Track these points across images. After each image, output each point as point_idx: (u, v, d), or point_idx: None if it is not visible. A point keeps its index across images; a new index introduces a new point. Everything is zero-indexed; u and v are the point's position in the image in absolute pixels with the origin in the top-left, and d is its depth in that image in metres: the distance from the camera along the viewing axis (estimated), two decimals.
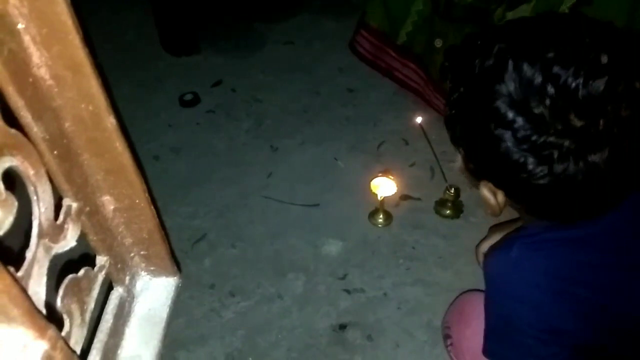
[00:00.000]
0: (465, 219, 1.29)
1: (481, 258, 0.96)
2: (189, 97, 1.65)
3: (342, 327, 1.12)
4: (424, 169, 1.41)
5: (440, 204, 1.31)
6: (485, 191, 0.65)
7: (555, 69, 0.52)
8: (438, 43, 1.40)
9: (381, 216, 1.29)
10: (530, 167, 0.54)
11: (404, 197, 1.34)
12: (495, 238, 0.93)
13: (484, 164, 0.61)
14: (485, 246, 0.95)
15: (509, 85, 0.53)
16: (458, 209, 1.30)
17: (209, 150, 1.51)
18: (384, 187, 1.26)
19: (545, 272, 0.63)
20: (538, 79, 0.52)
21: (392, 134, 1.50)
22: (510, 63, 0.54)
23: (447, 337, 0.94)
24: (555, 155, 0.53)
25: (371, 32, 1.61)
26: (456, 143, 0.64)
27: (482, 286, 1.06)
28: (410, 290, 1.17)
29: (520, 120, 0.53)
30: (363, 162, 1.43)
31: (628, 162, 0.55)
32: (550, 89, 0.52)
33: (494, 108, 0.54)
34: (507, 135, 0.54)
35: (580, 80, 0.51)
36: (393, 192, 1.27)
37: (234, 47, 1.83)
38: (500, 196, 0.64)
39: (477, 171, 0.64)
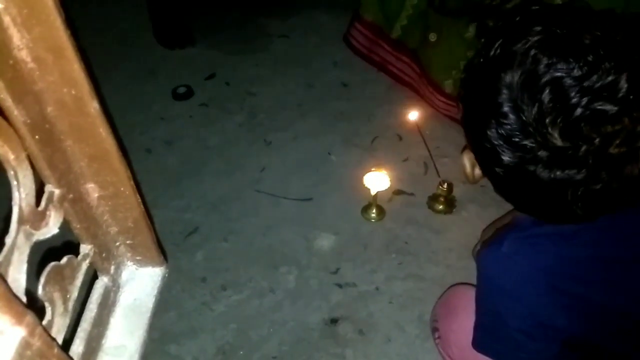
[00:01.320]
0: (457, 214, 1.29)
1: None
2: (182, 90, 1.64)
3: (334, 321, 1.11)
4: (417, 165, 1.40)
5: (433, 199, 1.31)
6: (466, 159, 0.67)
7: (565, 80, 0.49)
8: (432, 37, 1.39)
9: (374, 211, 1.28)
10: (504, 161, 0.54)
11: (397, 192, 1.34)
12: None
13: (468, 135, 0.61)
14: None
15: (517, 78, 0.52)
16: (451, 204, 1.30)
17: (201, 143, 1.50)
18: (377, 181, 1.26)
19: (536, 267, 0.63)
20: (542, 82, 0.50)
21: (386, 129, 1.50)
22: (530, 56, 0.51)
23: (434, 330, 0.94)
24: (527, 158, 0.52)
25: (366, 25, 1.60)
26: (458, 104, 0.64)
27: (474, 281, 1.07)
28: (402, 285, 1.17)
29: (510, 118, 0.52)
30: (357, 157, 1.42)
31: (601, 193, 0.53)
32: (546, 98, 0.50)
33: (494, 95, 0.53)
34: (493, 125, 0.54)
35: (583, 101, 0.48)
36: (386, 187, 1.26)
37: (228, 40, 1.82)
38: (478, 169, 0.65)
39: (466, 136, 0.64)
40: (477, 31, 1.13)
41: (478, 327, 0.72)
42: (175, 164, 1.45)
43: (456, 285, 1.01)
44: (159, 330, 1.09)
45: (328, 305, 1.14)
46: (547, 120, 0.50)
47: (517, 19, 0.56)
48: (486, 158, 0.57)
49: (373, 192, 1.25)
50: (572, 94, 0.49)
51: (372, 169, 1.28)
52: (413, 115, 1.36)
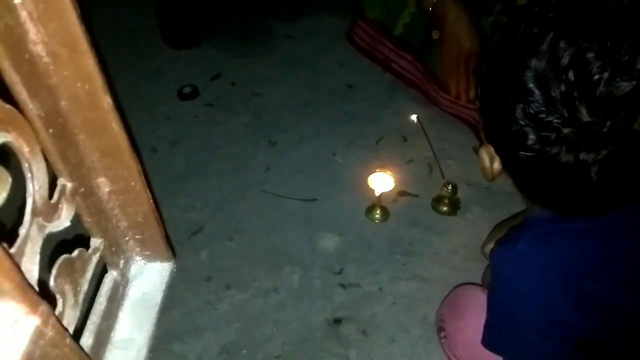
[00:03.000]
0: (462, 215, 1.29)
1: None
2: (187, 90, 1.64)
3: (337, 321, 1.11)
4: (421, 166, 1.40)
5: (438, 200, 1.31)
6: (484, 153, 0.66)
7: (587, 56, 0.51)
8: (435, 35, 1.39)
9: (378, 212, 1.29)
10: (529, 142, 0.54)
11: (401, 193, 1.34)
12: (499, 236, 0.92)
13: (491, 125, 0.61)
14: (491, 247, 0.94)
15: (540, 59, 0.53)
16: (455, 206, 1.30)
17: (207, 143, 1.51)
18: (382, 182, 1.26)
19: (551, 265, 0.63)
20: (565, 60, 0.52)
21: (390, 130, 1.50)
22: (550, 36, 0.53)
23: (440, 329, 0.94)
24: (552, 138, 0.53)
25: (368, 22, 1.60)
26: (477, 97, 0.64)
27: (479, 281, 1.07)
28: (406, 286, 1.17)
29: (536, 95, 0.53)
30: (361, 158, 1.42)
31: (624, 173, 0.54)
32: (571, 75, 0.51)
33: (518, 76, 0.54)
34: (519, 106, 0.54)
35: (605, 76, 0.50)
36: (390, 188, 1.27)
37: (234, 40, 1.83)
38: (497, 163, 0.64)
39: (484, 131, 0.64)
40: (492, 29, 1.14)
41: (490, 326, 0.72)
42: (180, 163, 1.45)
43: (462, 285, 1.02)
44: (163, 329, 1.09)
45: (332, 306, 1.14)
46: (575, 94, 0.51)
47: (535, 8, 0.57)
48: (510, 143, 0.57)
49: (377, 193, 1.25)
50: (596, 70, 0.50)
51: (377, 170, 1.29)
52: (417, 117, 1.36)
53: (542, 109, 0.53)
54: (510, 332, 0.69)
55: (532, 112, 0.53)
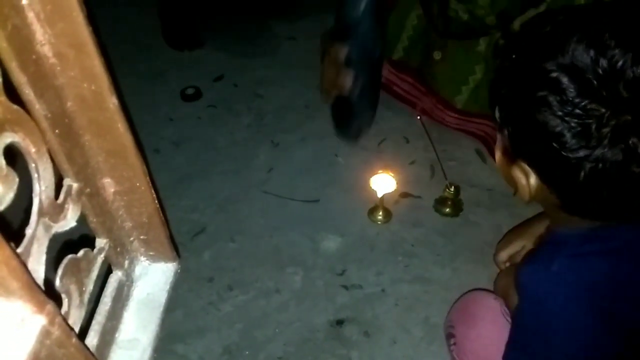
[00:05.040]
0: (464, 217, 1.29)
1: (503, 267, 0.94)
2: (190, 91, 1.65)
3: (340, 322, 1.11)
4: (424, 167, 1.41)
5: (440, 202, 1.31)
6: (518, 172, 0.63)
7: (608, 43, 0.52)
8: (437, 55, 1.37)
9: (380, 213, 1.29)
10: (566, 138, 0.53)
11: (403, 195, 1.34)
12: (515, 245, 0.90)
13: (522, 134, 0.59)
14: (505, 255, 0.92)
15: (566, 53, 0.53)
16: (458, 208, 1.30)
17: (209, 144, 1.51)
18: (384, 184, 1.26)
19: (586, 288, 0.61)
20: (591, 50, 0.52)
21: (393, 132, 1.50)
22: (569, 31, 0.53)
23: (450, 336, 0.91)
24: (593, 127, 0.51)
25: None
26: (495, 104, 0.63)
27: (481, 284, 1.07)
28: (408, 287, 1.17)
29: (566, 82, 0.52)
30: (363, 159, 1.43)
31: None
32: (603, 62, 0.52)
33: (547, 73, 0.53)
34: (551, 98, 0.53)
35: (629, 59, 0.51)
36: (393, 190, 1.27)
37: (237, 42, 1.83)
38: (533, 179, 0.61)
39: (513, 148, 0.62)
40: (493, 51, 1.13)
41: (514, 345, 0.70)
42: (183, 164, 1.46)
43: (474, 291, 0.99)
44: (166, 329, 1.08)
45: (334, 307, 1.14)
46: (612, 75, 0.51)
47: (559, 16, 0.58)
48: (549, 143, 0.54)
49: (379, 195, 1.25)
50: (619, 57, 0.51)
51: (379, 171, 1.29)
52: (420, 117, 1.36)
53: (574, 93, 0.52)
54: (535, 352, 0.67)
55: (566, 99, 0.52)
